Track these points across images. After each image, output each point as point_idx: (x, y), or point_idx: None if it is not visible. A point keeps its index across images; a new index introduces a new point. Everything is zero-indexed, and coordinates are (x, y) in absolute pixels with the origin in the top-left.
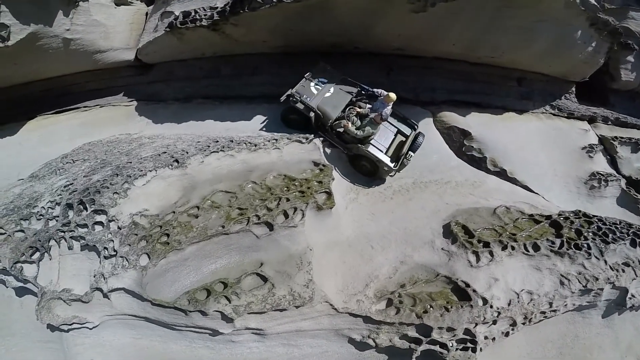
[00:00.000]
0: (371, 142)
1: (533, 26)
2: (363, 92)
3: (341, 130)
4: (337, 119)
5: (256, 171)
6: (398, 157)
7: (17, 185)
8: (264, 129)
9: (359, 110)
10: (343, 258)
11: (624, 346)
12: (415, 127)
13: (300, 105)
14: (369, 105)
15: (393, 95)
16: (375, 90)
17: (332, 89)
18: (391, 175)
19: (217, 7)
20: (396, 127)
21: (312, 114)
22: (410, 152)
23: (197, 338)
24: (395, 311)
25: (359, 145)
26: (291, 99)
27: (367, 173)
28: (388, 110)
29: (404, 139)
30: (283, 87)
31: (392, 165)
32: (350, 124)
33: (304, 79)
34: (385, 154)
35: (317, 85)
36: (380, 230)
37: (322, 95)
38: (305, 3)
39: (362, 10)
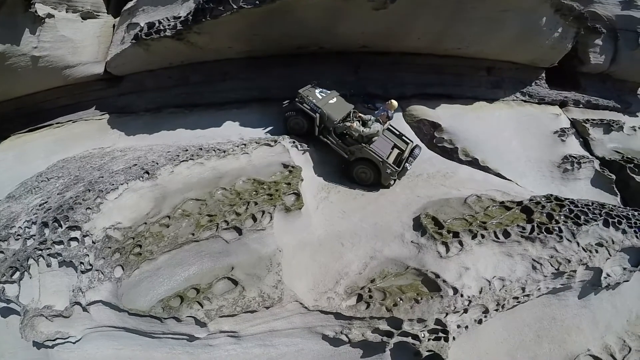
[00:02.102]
0: (372, 147)
1: (497, 16)
2: (364, 104)
3: (346, 131)
4: (343, 120)
5: (226, 177)
6: (399, 163)
7: None
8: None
9: (361, 115)
10: (313, 257)
11: (603, 325)
12: (411, 141)
13: (306, 106)
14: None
15: (395, 103)
16: (377, 103)
17: (335, 98)
18: (391, 183)
19: (180, 17)
20: (392, 141)
21: (316, 115)
22: (410, 158)
23: (177, 344)
24: (366, 306)
25: (363, 145)
26: (297, 99)
27: (367, 180)
28: (390, 114)
29: (400, 151)
30: (253, 92)
31: (395, 168)
32: (355, 124)
33: (310, 85)
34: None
35: (322, 92)
36: (351, 227)
37: (326, 100)
38: (265, 7)
39: (323, 11)
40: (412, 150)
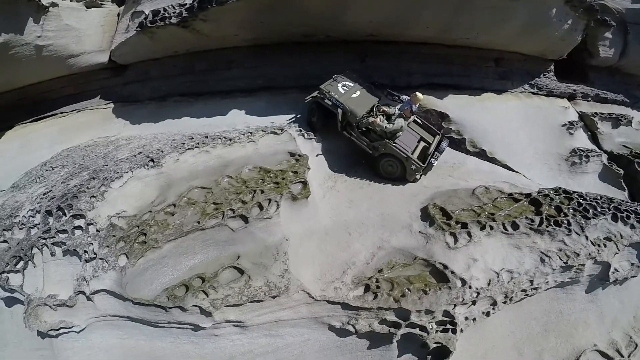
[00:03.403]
0: (396, 142)
1: (506, 5)
2: (389, 97)
3: (369, 127)
4: (364, 116)
5: (232, 165)
6: (424, 158)
7: None
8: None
9: (385, 109)
10: (320, 246)
11: (609, 320)
12: (438, 133)
13: (327, 102)
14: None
15: (420, 95)
16: (401, 96)
17: (358, 92)
18: (417, 179)
19: (185, 4)
20: (419, 134)
21: (339, 111)
22: (437, 153)
23: (181, 334)
24: (373, 296)
25: (387, 141)
26: (319, 95)
27: (394, 173)
28: (415, 108)
29: (426, 145)
30: (259, 80)
31: (421, 164)
32: (378, 120)
33: (332, 79)
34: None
35: (344, 86)
36: (358, 216)
37: (349, 95)
38: None
39: None
40: (439, 143)
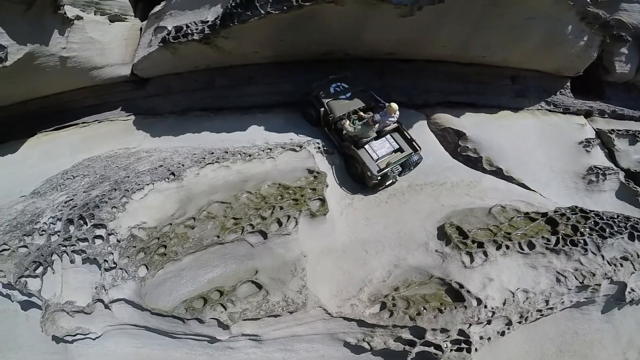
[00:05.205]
0: (366, 147)
1: (523, 23)
2: (380, 104)
3: (342, 129)
4: (340, 117)
5: (251, 181)
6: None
7: (20, 202)
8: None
9: (361, 114)
10: (337, 263)
11: (625, 341)
12: (417, 149)
13: (314, 100)
14: (376, 116)
15: (394, 106)
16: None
17: (348, 94)
18: (374, 184)
19: (207, 21)
20: (399, 145)
21: (321, 110)
22: (397, 166)
23: (197, 345)
24: (389, 314)
25: (351, 145)
26: (308, 92)
27: (355, 176)
28: (389, 119)
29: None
30: (278, 96)
31: (375, 172)
32: (348, 123)
33: (327, 79)
34: (377, 162)
35: (336, 87)
36: (375, 234)
37: (336, 95)
38: (293, 13)
39: (349, 17)
40: (406, 159)
